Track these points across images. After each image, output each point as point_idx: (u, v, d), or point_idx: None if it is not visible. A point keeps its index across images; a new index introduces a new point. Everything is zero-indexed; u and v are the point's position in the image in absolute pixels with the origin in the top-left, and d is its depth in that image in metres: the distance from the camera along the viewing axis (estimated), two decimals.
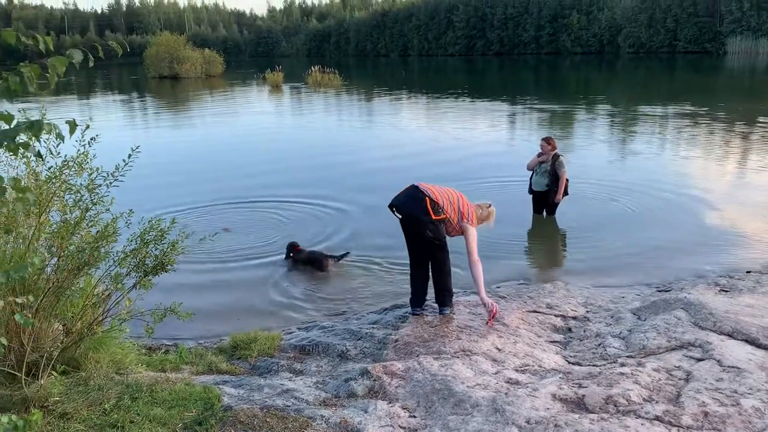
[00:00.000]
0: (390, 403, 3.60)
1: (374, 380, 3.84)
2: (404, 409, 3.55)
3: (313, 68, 37.29)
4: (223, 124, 21.39)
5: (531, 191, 8.44)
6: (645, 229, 8.07)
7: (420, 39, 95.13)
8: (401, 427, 3.35)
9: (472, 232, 5.01)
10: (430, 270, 5.16)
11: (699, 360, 3.89)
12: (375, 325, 5.03)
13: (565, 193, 8.21)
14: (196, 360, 4.48)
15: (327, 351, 4.59)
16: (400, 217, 4.98)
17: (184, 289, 6.19)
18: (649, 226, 8.19)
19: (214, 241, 7.75)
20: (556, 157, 8.10)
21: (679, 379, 3.66)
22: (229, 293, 6.22)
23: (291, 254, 7.05)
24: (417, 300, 5.24)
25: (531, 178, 8.39)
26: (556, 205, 8.30)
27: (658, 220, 8.50)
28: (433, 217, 4.85)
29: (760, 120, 17.85)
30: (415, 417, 3.47)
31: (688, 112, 20.28)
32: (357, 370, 4.02)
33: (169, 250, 3.81)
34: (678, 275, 6.35)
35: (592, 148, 14.58)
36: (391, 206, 5.01)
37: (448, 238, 5.08)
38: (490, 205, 5.32)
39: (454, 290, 5.25)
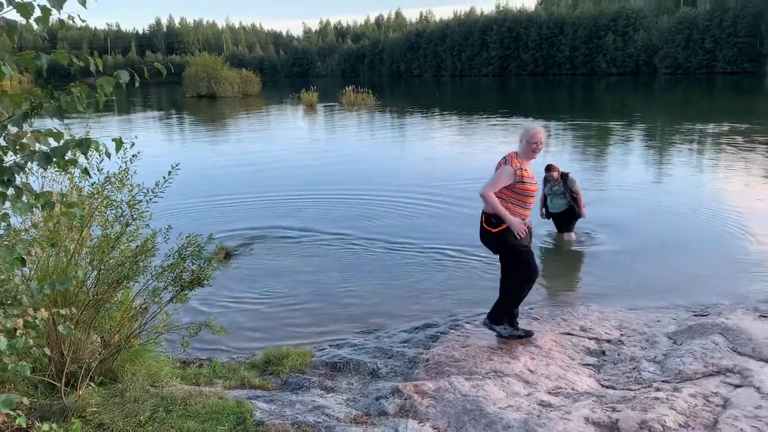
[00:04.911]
0: (421, 422, 3.60)
1: (405, 399, 3.84)
2: (435, 428, 3.53)
3: (347, 88, 37.73)
4: (259, 140, 21.79)
5: (548, 215, 8.44)
6: (681, 252, 7.92)
7: (454, 59, 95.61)
8: None
9: (502, 170, 4.66)
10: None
11: (737, 386, 3.80)
12: (406, 344, 5.03)
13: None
14: (229, 374, 4.54)
15: (358, 368, 4.60)
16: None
17: (218, 304, 6.32)
18: (685, 249, 8.04)
19: (247, 257, 7.95)
20: (564, 176, 8.22)
21: (717, 405, 3.58)
22: (262, 308, 6.29)
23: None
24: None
25: (545, 204, 8.38)
26: (575, 221, 8.29)
27: (694, 242, 8.34)
28: (493, 231, 4.70)
29: None
30: None
31: (726, 132, 19.91)
32: (388, 389, 4.02)
33: (205, 265, 3.89)
34: (715, 299, 6.21)
35: (628, 168, 14.43)
36: None
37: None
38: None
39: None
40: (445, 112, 31.24)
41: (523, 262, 4.78)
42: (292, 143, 20.77)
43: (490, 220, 4.69)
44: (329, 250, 8.27)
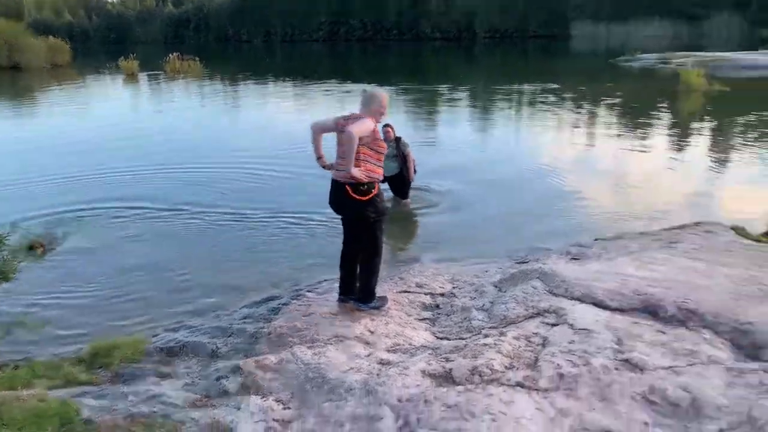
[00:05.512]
0: (263, 397, 3.55)
1: (246, 376, 3.77)
2: (278, 401, 3.51)
3: (171, 55, 35.55)
4: (75, 115, 19.92)
5: (383, 178, 8.60)
6: (505, 204, 8.55)
7: (283, 24, 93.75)
8: (275, 420, 3.32)
9: (363, 121, 4.41)
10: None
11: (554, 325, 4.16)
12: (247, 320, 4.91)
13: (414, 171, 8.49)
14: (51, 373, 4.16)
15: (196, 351, 4.43)
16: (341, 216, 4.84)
17: (34, 301, 5.72)
18: (508, 201, 8.69)
19: (66, 242, 7.28)
20: (398, 139, 8.40)
21: (537, 344, 3.90)
22: (87, 298, 5.79)
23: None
24: (345, 287, 4.97)
25: None
26: (409, 186, 8.56)
27: (517, 194, 9.04)
28: (363, 199, 4.54)
29: (603, 98, 19.42)
30: (289, 408, 3.44)
31: (539, 91, 21.61)
32: (228, 368, 3.92)
33: (9, 257, 3.49)
34: (535, 247, 6.77)
35: (456, 128, 15.19)
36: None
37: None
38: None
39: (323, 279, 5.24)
40: (279, 79, 30.68)
41: (380, 230, 4.75)
42: (114, 116, 19.27)
43: (359, 188, 4.49)
44: (162, 227, 7.85)
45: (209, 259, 6.72)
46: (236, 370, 3.85)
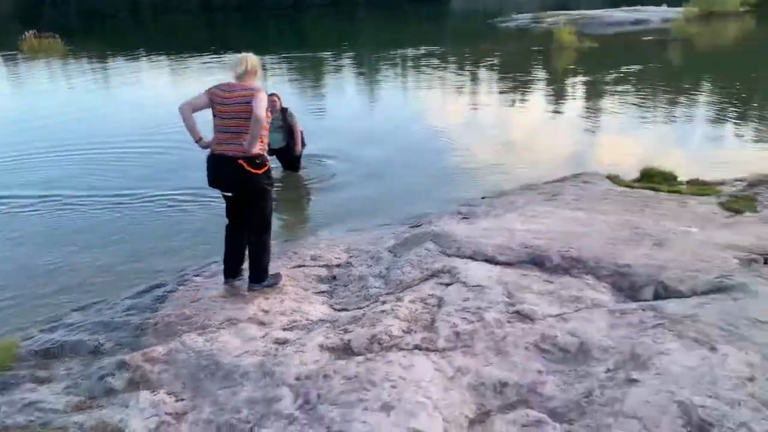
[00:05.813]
0: (154, 391, 3.35)
1: (133, 371, 3.53)
2: (170, 394, 3.32)
3: (26, 33, 32.55)
4: None
5: (271, 151, 8.34)
6: (396, 170, 8.57)
7: None
8: (168, 414, 3.14)
9: (263, 97, 4.17)
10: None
11: (448, 285, 4.20)
12: (131, 311, 4.61)
13: (303, 144, 8.29)
14: None
15: (76, 350, 4.10)
16: (229, 195, 4.53)
17: None
18: (399, 167, 8.71)
19: None
20: (284, 110, 8.08)
21: (433, 306, 3.92)
22: None
23: None
24: (231, 269, 4.80)
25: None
26: (299, 159, 8.36)
27: (406, 160, 9.08)
28: (260, 173, 4.31)
29: (484, 59, 19.89)
30: (183, 400, 3.27)
31: (423, 55, 21.80)
32: (113, 364, 3.66)
33: None
34: (426, 210, 6.83)
35: (343, 96, 15.04)
36: (212, 186, 4.48)
37: None
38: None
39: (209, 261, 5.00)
40: (151, 53, 28.98)
41: (270, 204, 4.59)
42: None
43: (254, 161, 4.25)
44: (30, 218, 7.23)
45: (85, 249, 6.24)
46: (122, 365, 3.60)
